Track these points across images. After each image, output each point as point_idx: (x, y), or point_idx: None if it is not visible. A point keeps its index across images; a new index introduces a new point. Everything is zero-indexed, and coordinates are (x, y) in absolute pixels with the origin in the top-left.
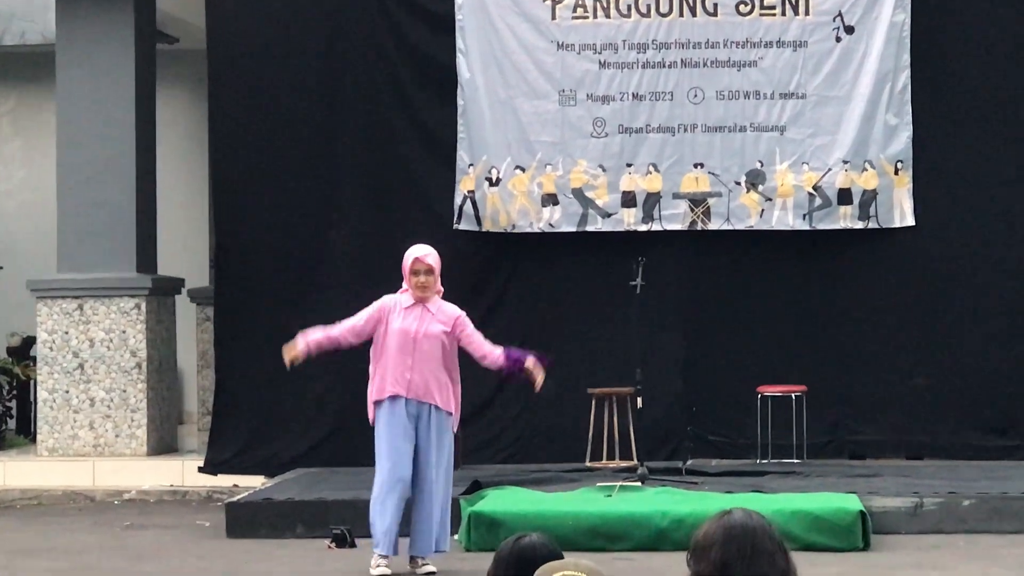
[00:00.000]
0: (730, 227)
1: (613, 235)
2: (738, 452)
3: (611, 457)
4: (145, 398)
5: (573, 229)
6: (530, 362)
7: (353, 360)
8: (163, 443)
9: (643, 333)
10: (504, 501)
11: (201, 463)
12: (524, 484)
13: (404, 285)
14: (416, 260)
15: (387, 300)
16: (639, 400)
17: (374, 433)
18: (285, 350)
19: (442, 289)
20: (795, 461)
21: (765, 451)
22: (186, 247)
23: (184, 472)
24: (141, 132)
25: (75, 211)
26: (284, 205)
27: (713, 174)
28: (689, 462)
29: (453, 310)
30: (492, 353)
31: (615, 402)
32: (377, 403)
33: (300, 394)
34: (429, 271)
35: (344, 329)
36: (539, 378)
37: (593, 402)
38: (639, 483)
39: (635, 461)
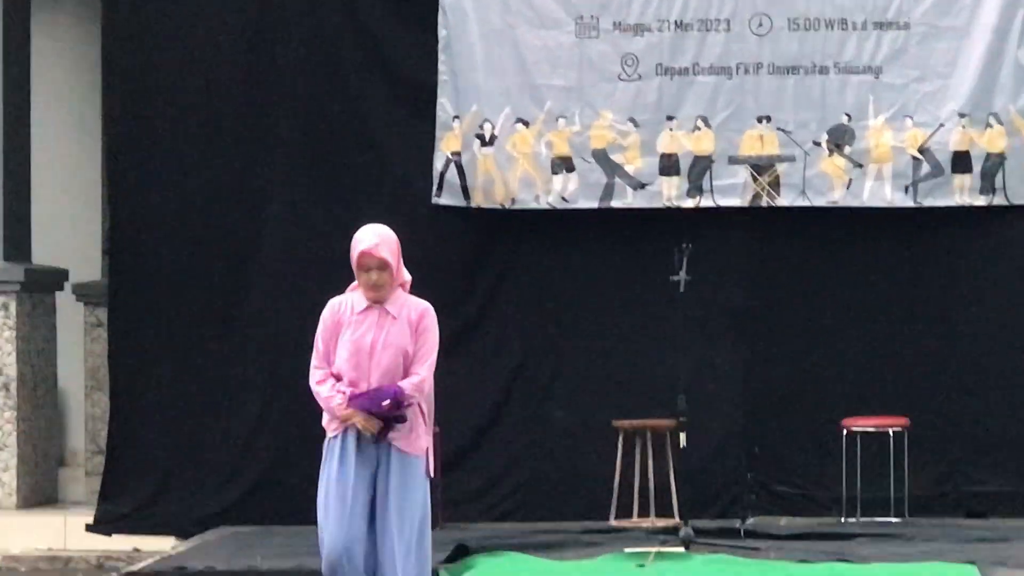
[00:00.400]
0: (806, 203)
1: (648, 213)
2: (815, 508)
3: (644, 513)
4: (14, 431)
5: (594, 205)
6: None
7: (292, 381)
8: (39, 492)
9: (688, 346)
10: (499, 572)
11: (90, 519)
12: (527, 549)
13: (355, 281)
14: (363, 255)
15: (334, 304)
16: (682, 437)
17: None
18: (367, 421)
19: (407, 278)
20: (893, 520)
21: (852, 506)
22: (72, 229)
23: (67, 531)
24: (8, 76)
25: None
26: (201, 175)
27: (783, 131)
28: (749, 521)
29: (419, 308)
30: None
31: (650, 439)
32: (327, 441)
33: (223, 427)
34: (382, 266)
35: (324, 371)
36: (361, 424)
37: (620, 439)
38: (682, 548)
39: (677, 519)
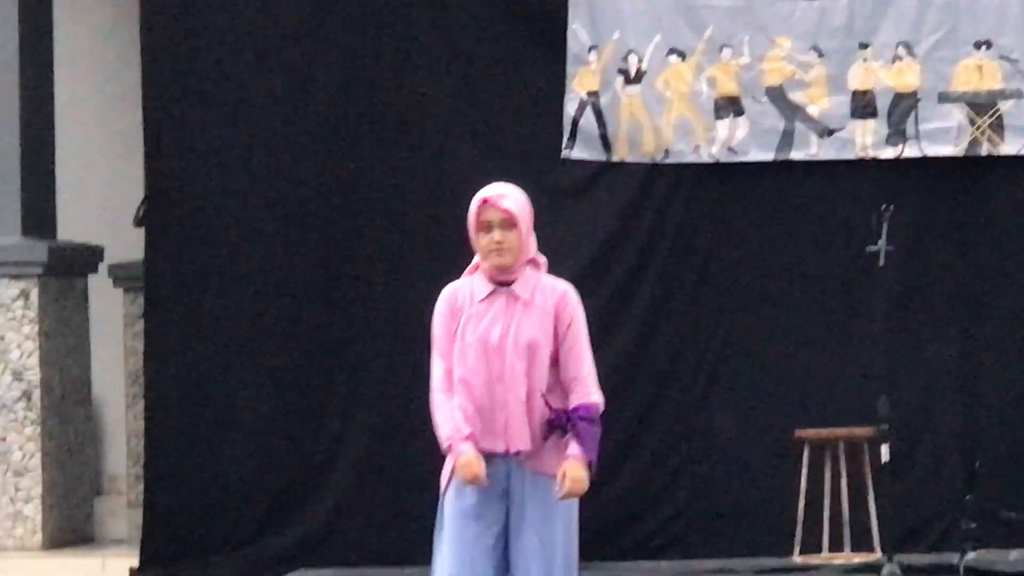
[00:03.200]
0: None
1: (837, 167)
2: None
3: (837, 547)
4: (38, 451)
5: (769, 157)
6: (573, 448)
7: (380, 391)
8: (70, 529)
9: (891, 336)
10: None
11: (135, 561)
12: None
13: (475, 258)
14: (484, 203)
15: (450, 293)
16: (884, 450)
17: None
18: (464, 471)
19: (542, 259)
20: None
21: None
22: (107, 197)
23: None
24: (28, 29)
25: None
26: (263, 130)
27: (1008, 60)
28: (970, 555)
29: (557, 290)
30: (577, 394)
31: (843, 453)
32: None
33: (292, 448)
34: (508, 223)
35: (445, 387)
36: (568, 484)
37: (806, 453)
38: None
39: (878, 554)
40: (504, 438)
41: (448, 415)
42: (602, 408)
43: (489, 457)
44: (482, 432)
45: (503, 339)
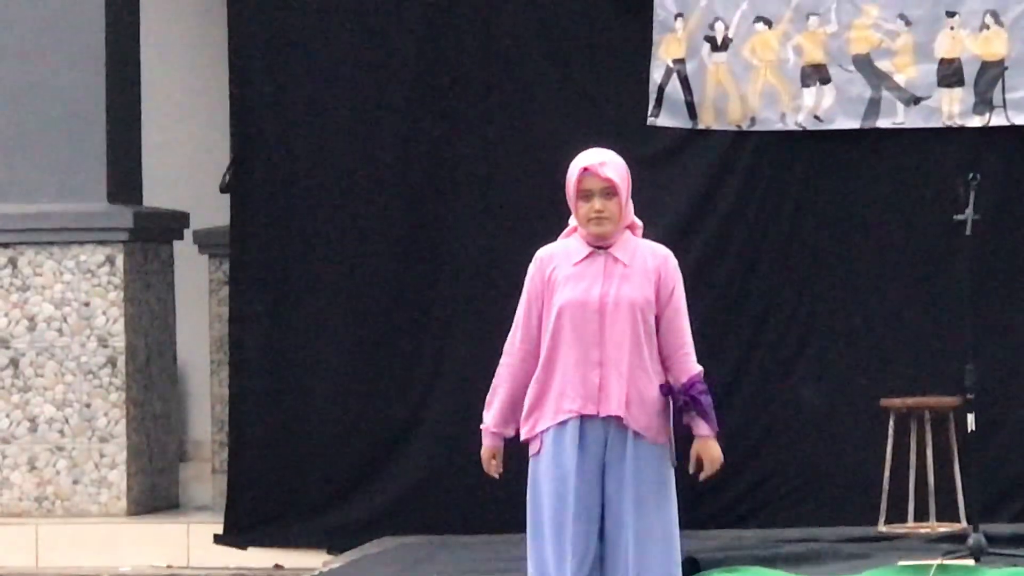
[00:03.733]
0: None
1: (924, 135)
2: None
3: (922, 517)
4: (123, 418)
5: (856, 125)
6: (703, 428)
7: (464, 357)
8: (155, 494)
9: (978, 303)
10: None
11: (220, 528)
12: (773, 563)
13: (571, 223)
14: (585, 172)
15: (543, 257)
16: (970, 419)
17: (527, 486)
18: (485, 464)
19: (638, 223)
20: None
21: None
22: (193, 163)
23: (191, 543)
24: None
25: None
26: (349, 95)
27: None
28: None
29: (658, 254)
30: (681, 365)
31: (929, 423)
32: (537, 437)
33: (376, 413)
34: (609, 191)
35: (516, 358)
36: (707, 465)
37: (892, 422)
38: (971, 561)
39: (964, 523)
40: (596, 401)
41: (495, 398)
42: (702, 373)
43: (587, 419)
44: (573, 394)
45: (603, 299)
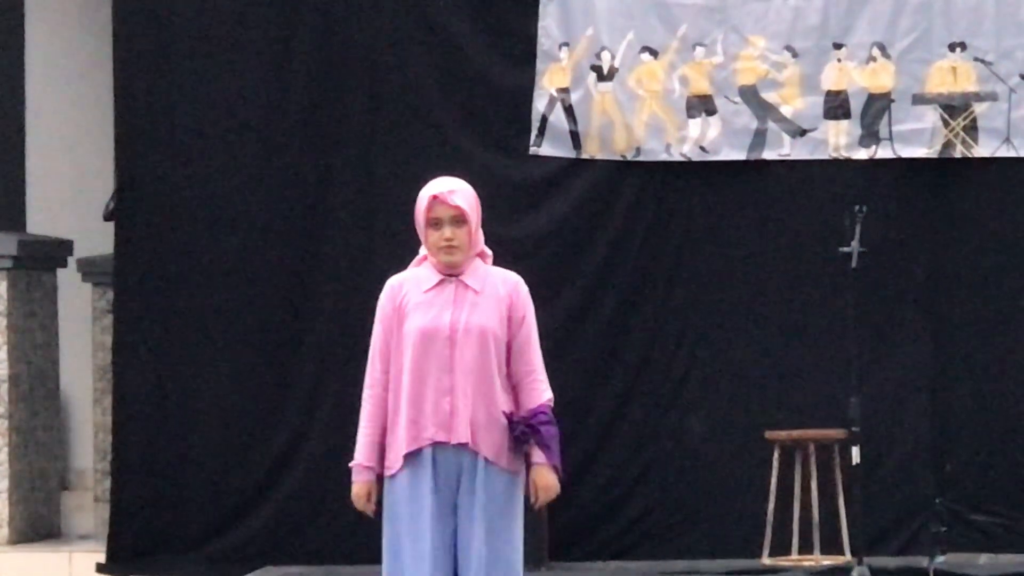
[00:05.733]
0: (1011, 153)
1: (810, 167)
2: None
3: (807, 549)
4: (6, 445)
5: (742, 156)
6: (539, 456)
7: (343, 383)
8: (37, 523)
9: (862, 338)
10: None
11: (102, 556)
12: None
13: (421, 251)
14: (434, 200)
15: (394, 285)
16: (855, 452)
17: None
18: (357, 502)
19: (488, 251)
20: None
21: None
22: (77, 191)
23: (72, 574)
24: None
25: None
26: (233, 125)
27: (982, 62)
28: (940, 559)
29: (509, 281)
30: (529, 393)
31: (813, 455)
32: (394, 469)
33: (257, 440)
34: (458, 219)
35: (380, 388)
36: (541, 494)
37: (776, 455)
38: None
39: (848, 556)
40: (448, 428)
41: (363, 432)
42: (552, 403)
43: (439, 446)
44: (425, 422)
45: (453, 326)
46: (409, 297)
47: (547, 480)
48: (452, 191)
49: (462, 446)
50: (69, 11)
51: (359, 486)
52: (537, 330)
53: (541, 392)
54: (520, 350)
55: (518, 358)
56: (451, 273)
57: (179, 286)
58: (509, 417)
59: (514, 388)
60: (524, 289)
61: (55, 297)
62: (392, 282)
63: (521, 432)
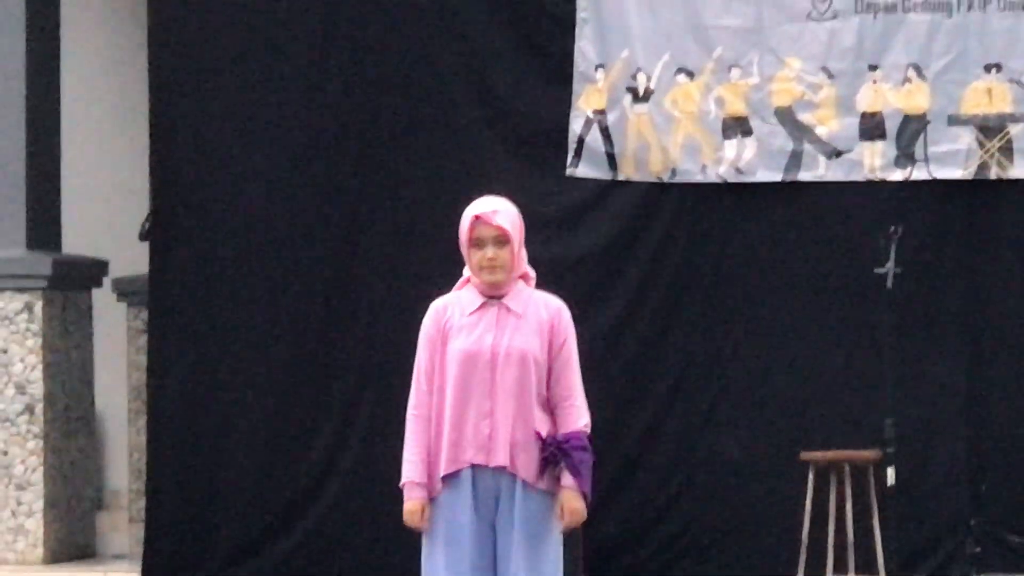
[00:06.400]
0: None
1: (846, 188)
2: None
3: (842, 570)
4: (40, 465)
5: (777, 177)
6: (568, 480)
7: (382, 403)
8: (72, 543)
9: (898, 358)
10: None
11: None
12: None
13: (465, 273)
14: (477, 220)
15: (438, 308)
16: (890, 472)
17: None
18: (411, 519)
19: (531, 273)
20: None
21: None
22: (111, 212)
23: None
24: (36, 41)
25: None
26: (269, 146)
27: (1018, 83)
28: None
29: (551, 306)
30: (566, 417)
31: (848, 476)
32: (434, 490)
33: (300, 459)
34: (501, 239)
35: (425, 408)
36: (567, 517)
37: (811, 475)
38: None
39: None
40: (487, 451)
41: (412, 451)
42: (589, 429)
43: (478, 468)
44: (465, 444)
45: (495, 349)
46: (453, 320)
47: (574, 504)
48: (495, 211)
49: (500, 469)
50: (105, 30)
51: (413, 503)
52: (578, 355)
53: (578, 417)
54: (559, 374)
55: (557, 382)
56: (494, 295)
57: (214, 306)
58: (542, 439)
59: (552, 412)
60: (567, 314)
61: (90, 317)
62: (437, 304)
63: (551, 454)
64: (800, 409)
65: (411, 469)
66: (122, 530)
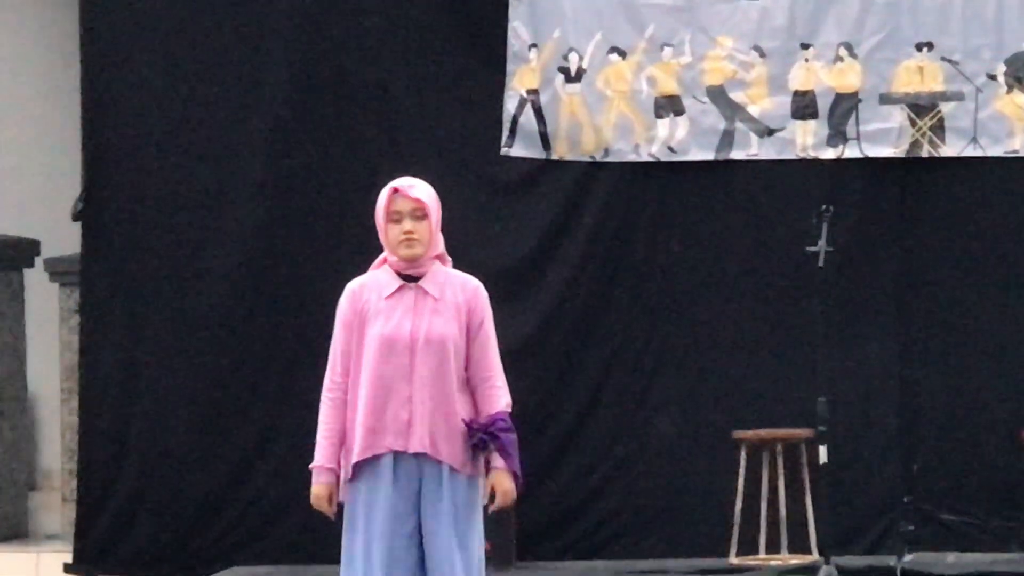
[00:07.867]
0: (978, 152)
1: (778, 167)
2: (991, 541)
3: (774, 549)
4: None
5: (710, 156)
6: (498, 461)
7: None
8: (5, 523)
9: (830, 337)
10: None
11: (69, 557)
12: None
13: (383, 254)
14: (395, 193)
15: (354, 289)
16: (822, 451)
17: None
18: (318, 503)
19: (447, 257)
20: None
21: None
22: (43, 192)
23: (40, 574)
24: None
25: None
26: (202, 125)
27: (949, 61)
28: (908, 558)
29: (468, 287)
30: (487, 399)
31: (781, 454)
32: (352, 474)
33: (223, 441)
34: (419, 213)
35: (340, 392)
36: (499, 498)
37: (744, 454)
38: None
39: (815, 555)
40: (405, 437)
41: (324, 435)
42: (511, 408)
43: (398, 454)
44: (383, 430)
45: (414, 335)
46: (370, 303)
47: (505, 486)
48: (412, 185)
49: (421, 455)
50: (36, 8)
51: (320, 487)
52: (495, 335)
53: (499, 398)
54: (478, 356)
55: (476, 364)
56: (411, 274)
57: (146, 287)
58: (468, 424)
59: (472, 393)
60: (483, 294)
61: (22, 297)
62: (352, 286)
63: (480, 440)
64: (733, 388)
65: (321, 453)
66: (55, 510)
